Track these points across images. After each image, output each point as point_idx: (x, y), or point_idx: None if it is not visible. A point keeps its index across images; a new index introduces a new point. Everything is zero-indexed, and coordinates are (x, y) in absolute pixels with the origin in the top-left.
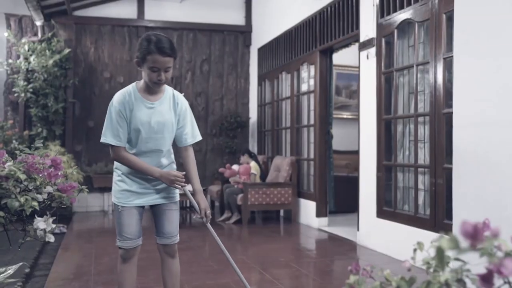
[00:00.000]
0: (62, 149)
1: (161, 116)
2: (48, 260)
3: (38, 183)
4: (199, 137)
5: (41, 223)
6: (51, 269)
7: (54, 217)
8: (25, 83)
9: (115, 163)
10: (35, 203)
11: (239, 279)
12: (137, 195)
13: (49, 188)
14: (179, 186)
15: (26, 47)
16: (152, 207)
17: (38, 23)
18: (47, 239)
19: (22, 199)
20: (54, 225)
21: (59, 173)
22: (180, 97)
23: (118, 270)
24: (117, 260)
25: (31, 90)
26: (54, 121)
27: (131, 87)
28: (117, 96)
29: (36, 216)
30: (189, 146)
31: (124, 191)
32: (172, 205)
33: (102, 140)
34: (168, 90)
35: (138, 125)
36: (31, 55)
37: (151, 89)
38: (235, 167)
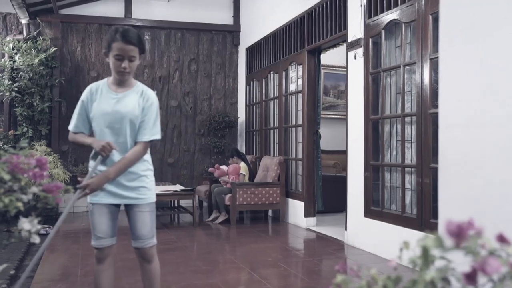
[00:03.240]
0: (48, 149)
1: (123, 107)
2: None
3: (23, 183)
4: (157, 136)
5: (26, 224)
6: (37, 270)
7: (39, 218)
8: (10, 82)
9: (89, 162)
10: (19, 204)
11: None
12: (107, 193)
13: (34, 189)
14: (104, 154)
15: (11, 46)
16: (126, 208)
17: (23, 21)
18: (32, 240)
19: (6, 200)
20: (39, 226)
21: (45, 173)
22: (150, 92)
23: (95, 271)
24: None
25: (16, 89)
26: (40, 121)
27: (103, 80)
28: (87, 88)
29: (20, 217)
30: (142, 142)
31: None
32: (145, 207)
33: (69, 127)
34: (138, 85)
35: (98, 115)
36: (16, 53)
37: (120, 81)
38: (223, 167)
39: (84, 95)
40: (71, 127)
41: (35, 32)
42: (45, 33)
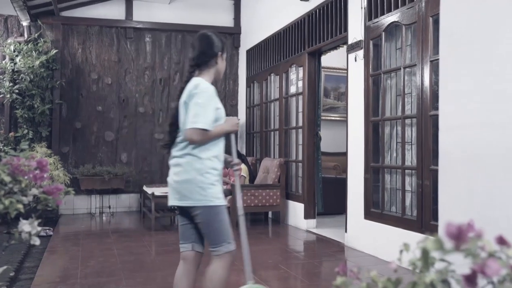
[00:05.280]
0: (48, 150)
1: None
2: (34, 264)
3: (23, 185)
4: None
5: (26, 226)
6: (36, 272)
7: (40, 220)
8: (11, 84)
9: (206, 165)
10: (20, 206)
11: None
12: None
13: (34, 191)
14: (237, 128)
15: (12, 48)
16: None
17: (25, 23)
18: (32, 242)
19: (6, 202)
20: (39, 228)
21: (45, 175)
22: None
23: (223, 279)
24: (221, 268)
25: (17, 91)
26: (40, 123)
27: (203, 80)
28: (210, 86)
29: (21, 219)
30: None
31: (221, 191)
32: None
33: (196, 126)
34: None
35: (223, 115)
36: (17, 55)
37: (213, 82)
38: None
39: (214, 92)
40: (206, 125)
41: (36, 34)
42: (46, 35)
